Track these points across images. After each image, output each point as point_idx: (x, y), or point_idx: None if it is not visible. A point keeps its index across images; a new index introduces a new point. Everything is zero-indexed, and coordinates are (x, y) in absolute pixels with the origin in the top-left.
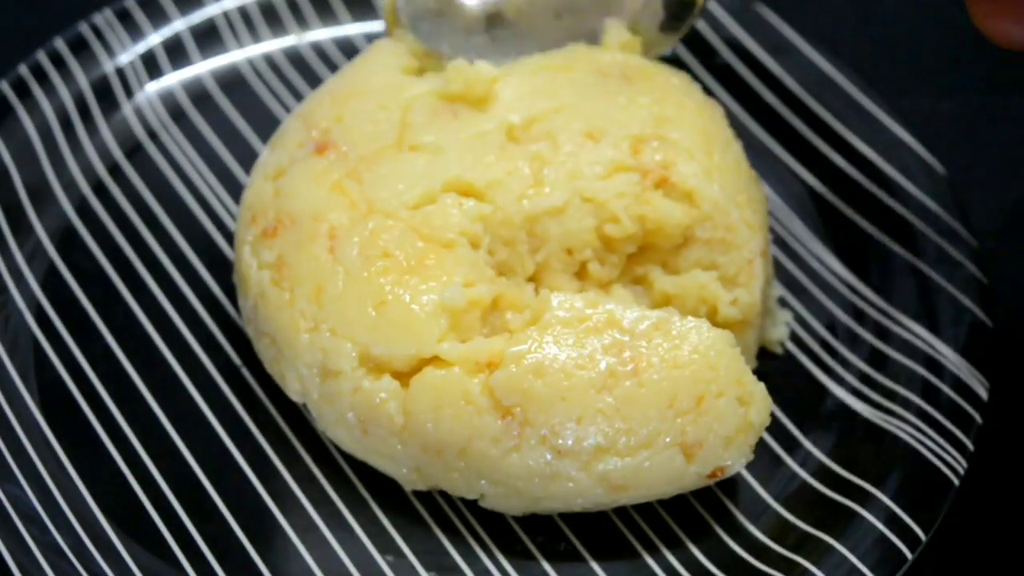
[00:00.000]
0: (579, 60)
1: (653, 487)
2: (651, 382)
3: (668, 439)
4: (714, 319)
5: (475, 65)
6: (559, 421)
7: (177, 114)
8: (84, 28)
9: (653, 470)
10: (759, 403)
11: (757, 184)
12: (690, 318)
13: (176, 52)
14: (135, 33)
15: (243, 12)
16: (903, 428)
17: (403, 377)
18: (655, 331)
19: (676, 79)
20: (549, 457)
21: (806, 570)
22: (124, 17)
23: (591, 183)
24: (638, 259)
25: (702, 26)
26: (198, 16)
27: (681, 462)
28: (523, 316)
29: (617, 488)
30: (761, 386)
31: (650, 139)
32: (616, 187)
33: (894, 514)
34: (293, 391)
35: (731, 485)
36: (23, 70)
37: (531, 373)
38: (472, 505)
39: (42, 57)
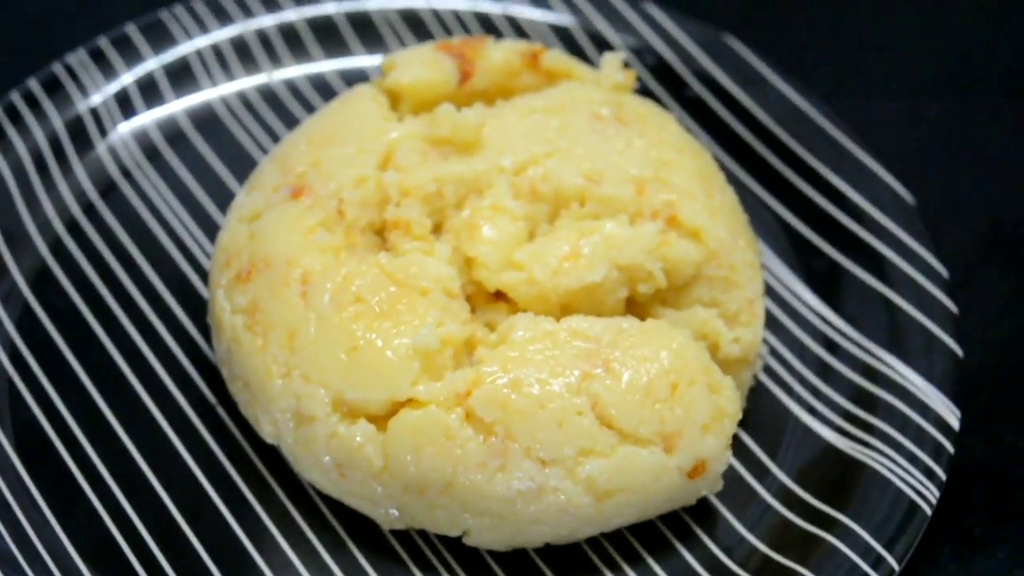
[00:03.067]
0: (570, 102)
1: (638, 489)
2: (624, 378)
3: (647, 431)
4: (715, 355)
5: (463, 110)
6: (541, 429)
7: (151, 153)
8: (58, 68)
9: (635, 467)
10: (728, 392)
11: (751, 228)
12: (649, 320)
13: (150, 91)
14: (108, 73)
15: (216, 50)
16: (875, 458)
17: (379, 420)
18: (619, 335)
19: (671, 123)
20: (535, 470)
21: None
22: (98, 57)
23: (626, 250)
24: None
25: (672, 58)
26: (171, 55)
27: (661, 455)
28: (491, 340)
29: (603, 495)
30: (728, 378)
31: (651, 181)
32: (645, 243)
33: (868, 544)
34: (267, 435)
35: (705, 515)
36: None
37: (508, 388)
38: (451, 544)
39: (16, 97)
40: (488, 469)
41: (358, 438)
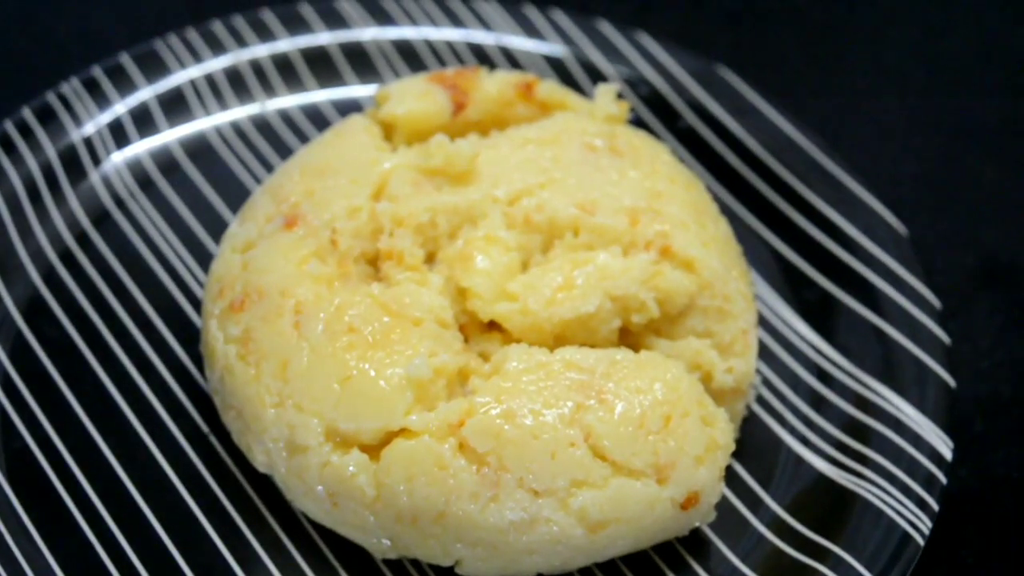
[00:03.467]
0: (564, 133)
1: (630, 521)
2: (618, 410)
3: (640, 463)
4: (708, 385)
5: (456, 141)
6: (534, 460)
7: (145, 183)
8: (51, 97)
9: (628, 498)
10: (722, 424)
11: (744, 259)
12: (643, 351)
13: (143, 121)
14: (102, 102)
15: (210, 80)
16: (868, 488)
17: (372, 450)
18: (613, 366)
19: (664, 154)
20: (528, 500)
21: None
22: (91, 86)
23: (619, 281)
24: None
25: (665, 89)
26: (165, 85)
27: (654, 487)
28: (484, 370)
29: (596, 526)
30: (722, 410)
31: (645, 211)
32: (639, 274)
33: (860, 575)
34: (260, 464)
35: (699, 545)
36: None
37: (501, 418)
38: (443, 574)
39: (9, 127)
40: (481, 499)
41: (351, 468)
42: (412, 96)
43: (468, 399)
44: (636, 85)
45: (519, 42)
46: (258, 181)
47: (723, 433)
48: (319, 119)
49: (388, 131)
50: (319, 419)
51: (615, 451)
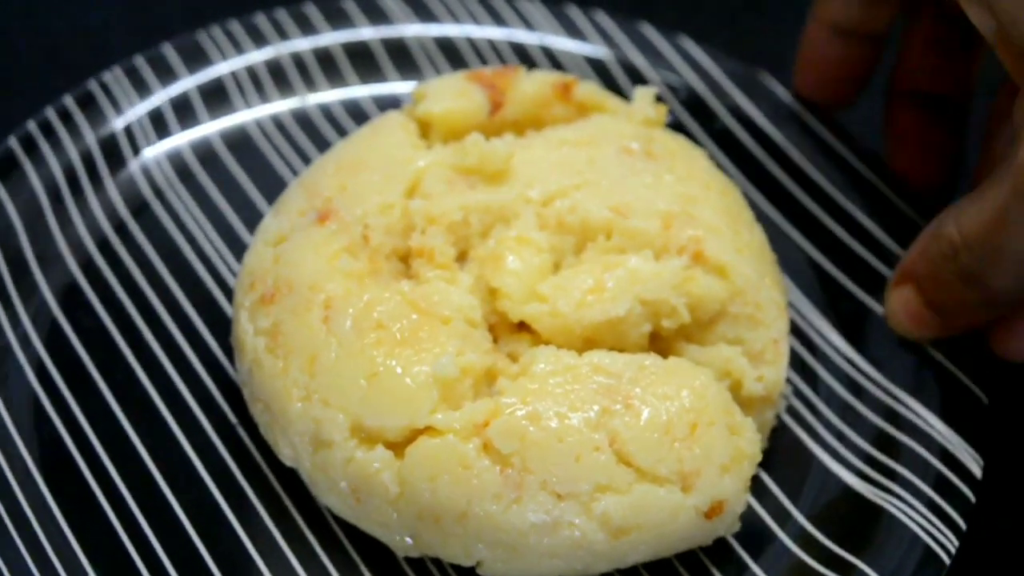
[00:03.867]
0: (600, 135)
1: (653, 528)
2: (644, 415)
3: (665, 470)
4: (737, 393)
5: (492, 140)
6: (558, 463)
7: (184, 174)
8: (93, 85)
9: (652, 505)
10: (749, 434)
11: (778, 267)
12: (672, 358)
13: (184, 111)
14: (143, 92)
15: (251, 72)
16: (896, 505)
17: (396, 447)
18: (640, 371)
19: (701, 159)
20: (551, 503)
21: None
22: (133, 75)
23: (650, 285)
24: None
25: (703, 91)
26: (206, 75)
27: (679, 495)
28: (512, 371)
29: (618, 531)
30: (749, 419)
31: (679, 216)
32: (670, 278)
33: None
34: (286, 457)
35: (723, 555)
36: (31, 126)
37: (526, 420)
38: (464, 574)
39: (50, 113)
40: (504, 500)
41: (375, 464)
42: (449, 94)
43: (494, 399)
44: (676, 89)
45: (561, 42)
46: (296, 174)
47: (750, 443)
48: (359, 114)
49: (424, 129)
50: (345, 415)
51: (640, 457)
